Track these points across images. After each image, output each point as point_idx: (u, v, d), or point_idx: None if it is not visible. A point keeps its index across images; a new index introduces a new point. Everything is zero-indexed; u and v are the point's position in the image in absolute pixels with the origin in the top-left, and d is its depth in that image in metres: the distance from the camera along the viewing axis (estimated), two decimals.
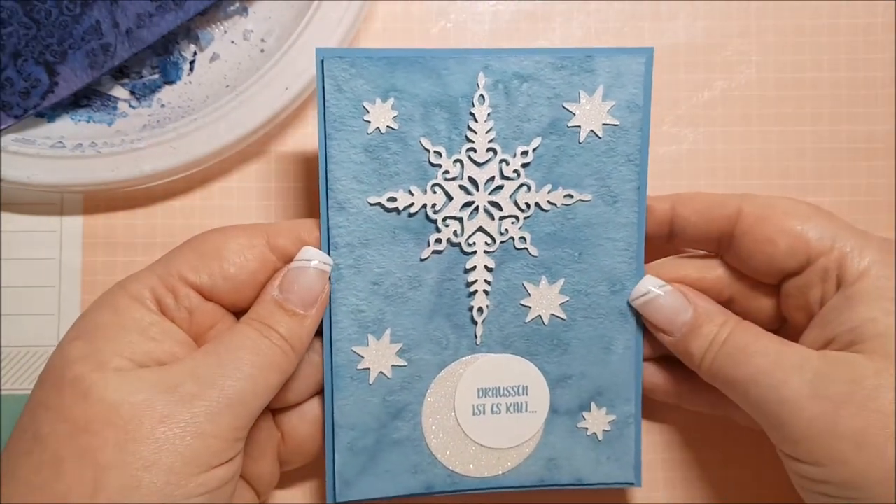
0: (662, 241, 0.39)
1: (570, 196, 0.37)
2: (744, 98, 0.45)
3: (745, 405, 0.35)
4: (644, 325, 0.38)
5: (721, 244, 0.38)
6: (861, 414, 0.31)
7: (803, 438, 0.32)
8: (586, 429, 0.38)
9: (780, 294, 0.37)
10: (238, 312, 0.36)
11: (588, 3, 0.45)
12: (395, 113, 0.36)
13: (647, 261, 0.38)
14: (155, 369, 0.32)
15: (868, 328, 0.33)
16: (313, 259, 0.35)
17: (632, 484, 0.39)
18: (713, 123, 0.44)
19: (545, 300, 0.37)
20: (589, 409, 0.38)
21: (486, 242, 0.37)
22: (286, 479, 0.42)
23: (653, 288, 0.37)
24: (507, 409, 0.38)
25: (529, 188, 0.37)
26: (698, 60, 0.45)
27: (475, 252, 0.37)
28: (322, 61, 0.35)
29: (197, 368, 0.32)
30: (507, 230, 0.37)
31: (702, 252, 0.40)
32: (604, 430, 0.38)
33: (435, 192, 0.36)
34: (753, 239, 0.36)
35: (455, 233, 0.36)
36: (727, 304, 0.38)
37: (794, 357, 0.34)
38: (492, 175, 0.36)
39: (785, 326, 0.38)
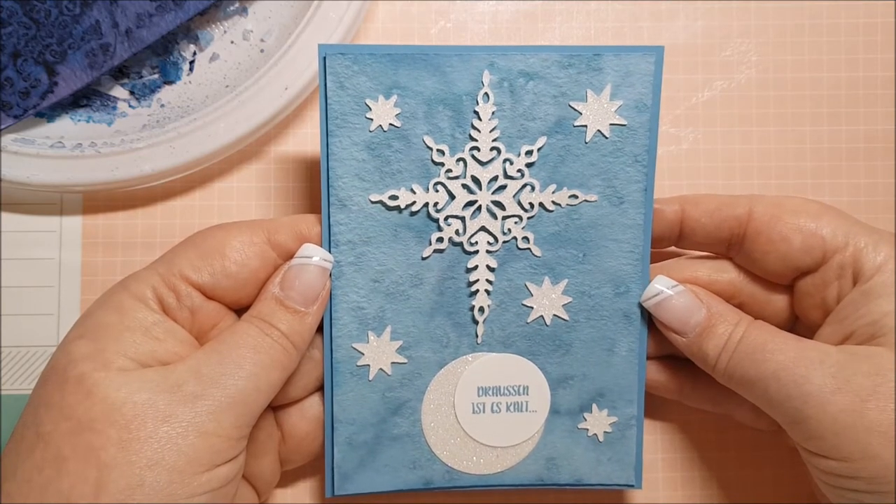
0: (671, 244, 0.39)
1: (575, 196, 0.37)
2: (744, 98, 0.45)
3: (764, 404, 0.35)
4: (648, 328, 0.38)
5: (731, 245, 0.38)
6: (889, 407, 0.31)
7: (830, 434, 0.32)
8: (587, 430, 0.38)
9: (793, 294, 0.37)
10: (240, 310, 0.36)
11: (588, 3, 0.45)
12: (397, 110, 0.35)
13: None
14: (158, 369, 0.32)
15: (888, 321, 0.33)
16: (314, 256, 0.35)
17: (632, 486, 0.39)
18: (713, 123, 0.44)
19: (548, 301, 0.37)
20: (590, 411, 0.38)
21: (488, 242, 0.37)
22: (287, 477, 0.42)
23: (665, 288, 0.37)
24: (508, 408, 0.38)
25: (533, 188, 0.36)
26: (698, 60, 0.45)
27: (477, 251, 0.37)
28: (324, 58, 0.35)
29: (199, 367, 0.32)
30: (509, 230, 0.37)
31: (709, 253, 0.39)
32: (605, 432, 0.38)
33: (437, 191, 0.36)
34: (768, 238, 0.36)
35: (457, 232, 0.36)
36: (739, 307, 0.38)
37: (815, 352, 0.33)
38: (495, 174, 0.36)
39: (796, 327, 0.38)
